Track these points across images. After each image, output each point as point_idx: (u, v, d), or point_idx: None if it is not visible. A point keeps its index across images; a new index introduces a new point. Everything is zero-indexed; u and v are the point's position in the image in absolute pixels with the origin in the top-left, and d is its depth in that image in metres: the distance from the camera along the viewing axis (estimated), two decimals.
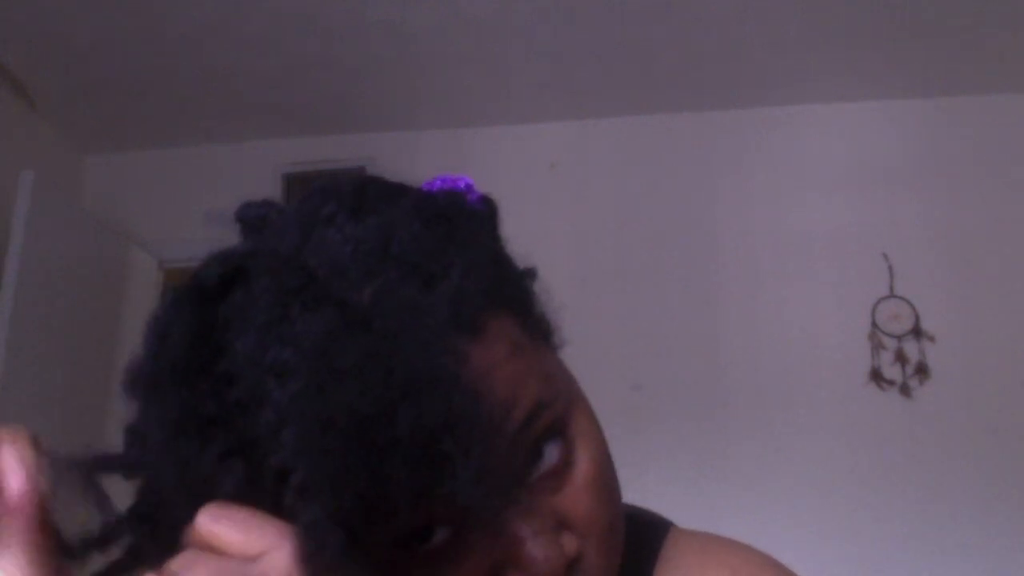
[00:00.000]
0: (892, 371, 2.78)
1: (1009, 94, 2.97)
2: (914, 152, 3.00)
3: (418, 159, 3.08)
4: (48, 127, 3.14)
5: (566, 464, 0.45)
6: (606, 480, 0.47)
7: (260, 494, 0.36)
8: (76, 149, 3.33)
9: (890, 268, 2.85)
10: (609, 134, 3.15)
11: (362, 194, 0.45)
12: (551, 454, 0.44)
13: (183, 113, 3.16)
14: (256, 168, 3.27)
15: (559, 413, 0.45)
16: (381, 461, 0.35)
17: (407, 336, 0.37)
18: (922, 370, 2.76)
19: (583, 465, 0.45)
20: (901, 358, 2.78)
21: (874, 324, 2.82)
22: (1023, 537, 2.58)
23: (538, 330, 0.49)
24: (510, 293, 0.47)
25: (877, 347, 2.80)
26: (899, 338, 2.80)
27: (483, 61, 2.88)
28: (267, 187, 3.26)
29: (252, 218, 0.48)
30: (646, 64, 2.90)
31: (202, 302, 0.40)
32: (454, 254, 0.43)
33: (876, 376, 2.78)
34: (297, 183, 3.25)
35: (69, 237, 2.82)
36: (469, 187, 0.50)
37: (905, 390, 2.75)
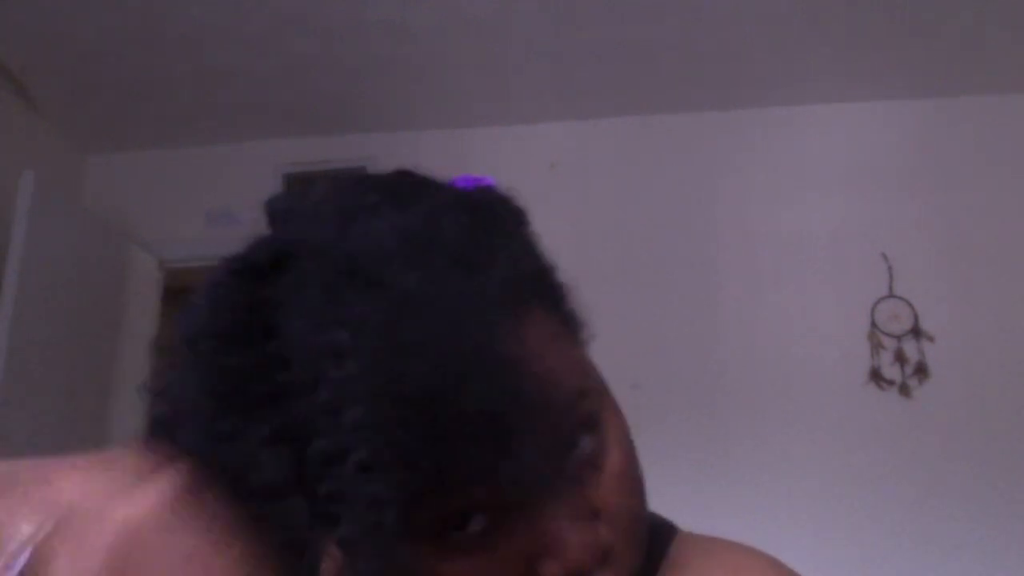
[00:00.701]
0: (891, 371, 2.78)
1: (1008, 94, 2.97)
2: (913, 152, 3.00)
3: (418, 159, 3.03)
4: (49, 127, 3.15)
5: (598, 456, 0.45)
6: (635, 474, 0.48)
7: (298, 480, 0.36)
8: (77, 149, 3.33)
9: (889, 268, 2.85)
10: (609, 134, 3.15)
11: (402, 185, 0.47)
12: (585, 445, 0.45)
13: (184, 113, 3.16)
14: (256, 168, 3.27)
15: (594, 405, 0.46)
16: (448, 437, 0.36)
17: (465, 318, 0.38)
18: (921, 370, 2.76)
19: (615, 458, 0.46)
20: (900, 358, 2.78)
21: (873, 324, 2.82)
22: (1021, 535, 2.58)
23: (571, 324, 0.50)
24: (547, 286, 0.49)
25: (876, 347, 2.80)
26: (898, 338, 2.80)
27: (483, 61, 2.88)
28: (267, 187, 3.26)
29: (281, 209, 0.48)
30: (646, 65, 2.90)
31: (253, 280, 0.40)
32: (498, 245, 0.44)
33: (875, 376, 2.78)
34: (297, 183, 3.25)
35: (70, 237, 2.82)
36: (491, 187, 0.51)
37: (904, 390, 2.76)
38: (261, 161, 3.28)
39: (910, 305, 2.82)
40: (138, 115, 3.17)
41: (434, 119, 3.18)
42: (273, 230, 0.48)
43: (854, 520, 2.66)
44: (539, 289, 0.47)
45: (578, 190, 3.08)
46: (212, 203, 3.26)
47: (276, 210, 0.49)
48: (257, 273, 0.40)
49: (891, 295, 2.84)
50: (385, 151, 3.14)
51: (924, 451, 2.69)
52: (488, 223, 0.45)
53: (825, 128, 3.08)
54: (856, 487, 2.69)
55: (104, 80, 2.94)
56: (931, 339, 2.79)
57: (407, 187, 0.47)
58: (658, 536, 0.53)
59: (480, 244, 0.43)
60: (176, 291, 3.44)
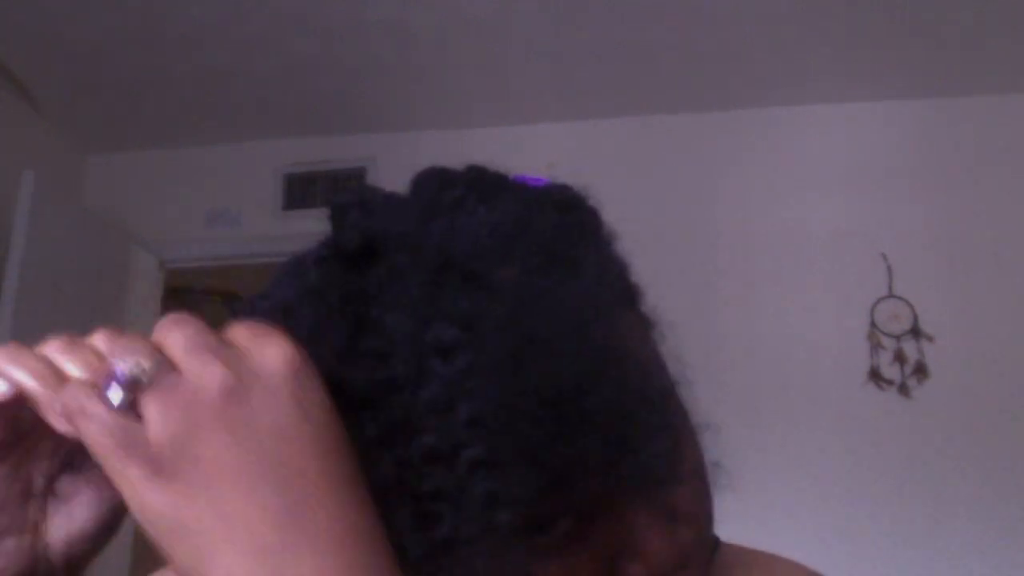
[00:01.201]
0: (891, 371, 2.79)
1: (1007, 95, 2.98)
2: (913, 152, 3.01)
3: (418, 159, 3.05)
4: (50, 127, 3.15)
5: (678, 457, 0.45)
6: (707, 476, 0.47)
7: (398, 479, 0.35)
8: (78, 149, 3.33)
9: (889, 268, 2.86)
10: (609, 135, 3.16)
11: (483, 182, 0.46)
12: (667, 444, 0.44)
13: (184, 113, 3.17)
14: (257, 168, 3.28)
15: (675, 404, 0.46)
16: (575, 433, 0.35)
17: (584, 315, 0.37)
18: (921, 370, 2.76)
19: (689, 457, 0.45)
20: (900, 358, 2.78)
21: (873, 324, 2.83)
22: (1021, 535, 2.58)
23: (648, 323, 0.50)
24: (629, 285, 0.49)
25: (876, 347, 2.81)
26: (898, 338, 2.80)
27: (483, 62, 2.89)
28: (268, 187, 3.27)
29: (350, 204, 0.46)
30: (645, 65, 2.91)
31: (345, 269, 0.39)
32: (588, 243, 0.43)
33: (875, 376, 2.78)
34: (298, 183, 3.26)
35: (70, 236, 2.83)
36: None
37: (904, 390, 2.76)
38: (261, 161, 3.28)
39: (909, 305, 2.82)
40: (138, 115, 3.18)
41: (434, 119, 3.18)
42: (342, 227, 0.45)
43: (853, 519, 2.66)
44: (625, 288, 0.47)
45: (579, 188, 3.08)
46: (212, 203, 3.27)
47: (344, 205, 0.46)
48: (349, 262, 0.39)
49: (891, 295, 2.84)
50: (385, 151, 3.15)
51: (923, 450, 2.70)
52: (577, 221, 0.45)
53: (825, 128, 3.09)
54: (855, 486, 2.70)
55: (104, 80, 2.95)
56: (930, 339, 2.79)
57: (489, 183, 0.46)
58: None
59: (570, 241, 0.42)
60: (176, 291, 3.45)
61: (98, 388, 0.33)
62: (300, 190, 3.24)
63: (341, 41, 2.77)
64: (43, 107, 3.05)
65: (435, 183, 0.45)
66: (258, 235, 3.15)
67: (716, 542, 0.54)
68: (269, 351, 0.34)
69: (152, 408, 0.32)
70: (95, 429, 0.32)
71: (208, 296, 3.81)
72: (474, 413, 0.34)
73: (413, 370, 0.35)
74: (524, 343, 0.35)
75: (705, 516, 0.46)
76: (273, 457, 0.32)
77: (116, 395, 0.32)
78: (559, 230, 0.42)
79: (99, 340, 0.35)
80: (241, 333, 0.34)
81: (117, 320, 3.02)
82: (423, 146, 3.11)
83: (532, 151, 3.10)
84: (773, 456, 2.74)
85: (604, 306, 0.40)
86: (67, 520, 0.39)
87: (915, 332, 2.80)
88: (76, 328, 0.37)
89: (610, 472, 0.37)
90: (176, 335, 0.33)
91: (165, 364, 0.33)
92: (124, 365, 0.33)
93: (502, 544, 0.34)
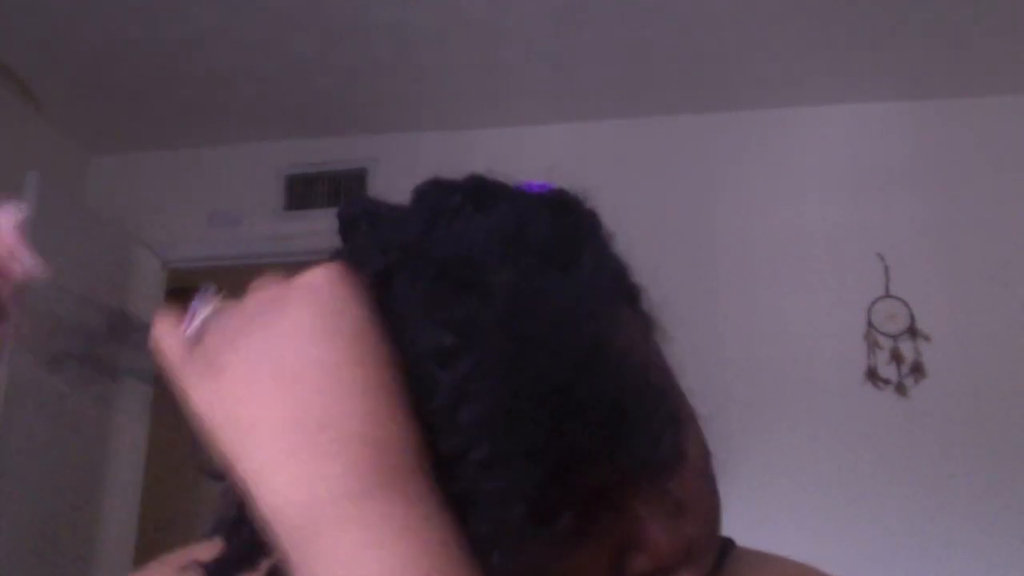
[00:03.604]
0: (888, 370, 2.80)
1: (1004, 96, 2.99)
2: (910, 154, 3.02)
3: (419, 160, 3.10)
4: (53, 128, 3.17)
5: (682, 452, 0.45)
6: (712, 471, 0.48)
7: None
8: (81, 150, 3.35)
9: (886, 268, 2.87)
10: (608, 136, 3.17)
11: (482, 188, 0.47)
12: (671, 439, 0.44)
13: (187, 115, 3.18)
14: (258, 169, 3.29)
15: (676, 401, 0.47)
16: (569, 426, 0.36)
17: (574, 313, 0.38)
18: (917, 369, 2.78)
19: (693, 452, 0.46)
20: (897, 357, 2.80)
21: (870, 324, 2.84)
22: (1018, 534, 2.59)
23: (648, 323, 0.51)
24: (628, 285, 0.50)
25: (873, 346, 2.82)
26: (895, 337, 2.82)
27: (483, 64, 2.90)
28: (270, 188, 3.28)
29: (352, 216, 0.47)
30: (645, 66, 2.92)
31: (368, 289, 0.40)
32: (584, 244, 0.44)
33: (872, 375, 2.80)
34: (299, 184, 3.28)
35: (73, 237, 2.84)
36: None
37: (901, 389, 2.77)
38: (263, 162, 3.30)
39: (906, 305, 2.84)
40: (141, 117, 3.19)
41: (434, 121, 3.20)
42: (350, 238, 0.47)
43: (850, 518, 2.67)
44: (622, 288, 0.48)
45: (577, 192, 3.09)
46: (214, 204, 3.28)
47: (349, 217, 0.48)
48: (373, 282, 0.40)
49: (887, 295, 2.86)
50: (386, 152, 3.16)
51: (920, 449, 2.71)
52: (573, 223, 0.46)
53: (823, 129, 3.10)
54: (852, 485, 2.71)
55: (108, 82, 2.96)
56: (927, 339, 2.80)
57: (488, 190, 0.47)
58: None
59: (566, 243, 0.43)
60: (179, 291, 3.46)
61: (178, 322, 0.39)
62: (301, 191, 3.26)
63: (342, 43, 2.78)
64: (47, 109, 3.07)
65: (435, 193, 0.46)
66: (260, 236, 3.17)
67: (730, 544, 0.55)
68: (315, 270, 0.37)
69: (210, 323, 0.38)
70: (171, 349, 0.38)
71: None
72: (476, 416, 0.35)
73: (423, 380, 0.36)
74: (517, 343, 0.36)
75: (711, 512, 0.46)
76: (304, 358, 0.35)
77: (192, 327, 0.38)
78: (555, 233, 0.43)
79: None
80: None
81: None
82: (423, 147, 3.12)
83: (532, 152, 3.12)
84: (770, 454, 2.75)
85: (598, 304, 0.41)
86: None
87: (912, 332, 2.81)
88: None
89: (606, 462, 0.38)
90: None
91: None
92: (203, 308, 0.39)
93: (517, 541, 0.35)
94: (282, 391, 0.34)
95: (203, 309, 0.39)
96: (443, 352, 0.36)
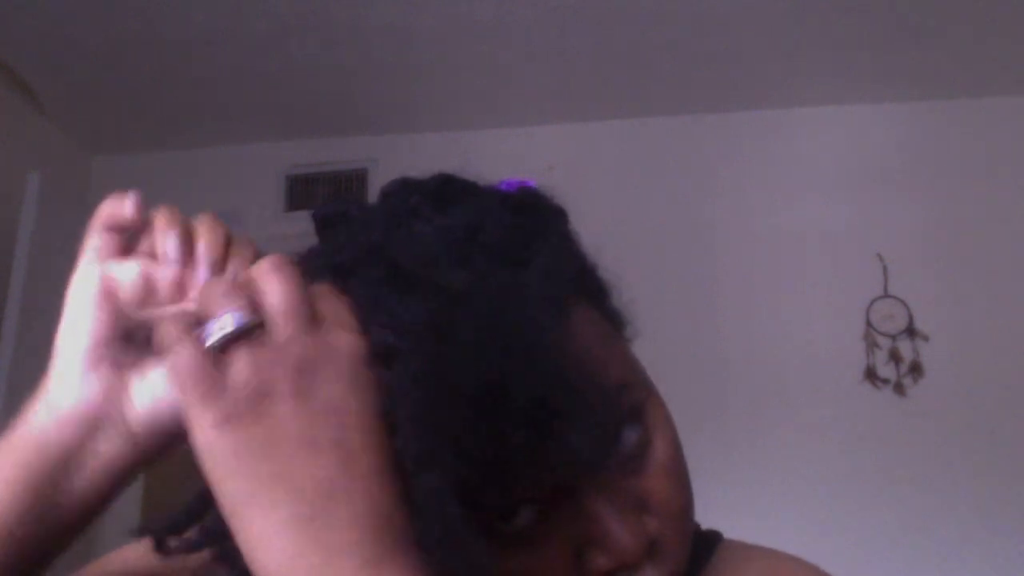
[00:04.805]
0: (886, 370, 2.80)
1: (1002, 97, 3.00)
2: (908, 154, 3.03)
3: (419, 161, 3.08)
4: (55, 129, 3.17)
5: (643, 449, 0.46)
6: (681, 466, 0.48)
7: None
8: (83, 150, 3.35)
9: (884, 268, 2.88)
10: (607, 137, 3.17)
11: (445, 188, 0.47)
12: (629, 438, 0.45)
13: (188, 115, 3.19)
14: (259, 170, 3.30)
15: (638, 398, 0.47)
16: (498, 425, 0.37)
17: (509, 312, 0.39)
18: (916, 369, 2.78)
19: (660, 450, 0.47)
20: (895, 357, 2.80)
21: (868, 324, 2.85)
22: (1017, 534, 2.60)
23: (614, 320, 0.52)
24: (589, 282, 0.50)
25: (871, 346, 2.83)
26: (893, 337, 2.82)
27: (483, 64, 2.91)
28: (271, 189, 3.29)
29: (326, 216, 0.49)
30: (644, 67, 2.93)
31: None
32: (540, 243, 0.45)
33: (871, 375, 2.80)
34: (300, 185, 3.28)
35: (76, 237, 2.82)
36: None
37: (899, 389, 2.78)
38: (264, 163, 3.30)
39: (905, 305, 2.84)
40: (143, 117, 3.20)
41: (435, 121, 3.20)
42: (323, 238, 0.48)
43: (848, 518, 2.67)
44: (581, 285, 0.48)
45: (576, 192, 3.00)
46: (215, 204, 3.27)
47: (324, 217, 0.49)
48: (331, 284, 0.40)
49: (886, 295, 2.86)
50: (386, 153, 3.17)
51: (919, 449, 2.71)
52: (530, 222, 0.46)
53: (822, 130, 3.11)
54: (851, 484, 2.71)
55: (110, 82, 2.97)
56: (925, 339, 2.81)
57: (451, 189, 0.47)
58: (703, 543, 0.54)
59: (522, 242, 0.44)
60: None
61: (199, 325, 0.36)
62: (302, 191, 3.27)
63: (342, 43, 2.79)
64: (49, 109, 3.08)
65: (399, 193, 0.47)
66: (261, 236, 3.15)
67: (717, 537, 0.55)
68: (344, 335, 0.37)
69: (243, 361, 0.35)
70: (182, 363, 0.35)
71: None
72: (409, 415, 0.36)
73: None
74: (451, 346, 0.37)
75: (678, 508, 0.46)
76: (326, 429, 0.35)
77: (214, 338, 0.36)
78: (510, 233, 0.44)
79: (210, 286, 0.39)
80: (328, 305, 0.38)
81: None
82: (424, 147, 3.13)
83: (532, 152, 3.13)
84: (769, 454, 2.76)
85: (542, 303, 0.41)
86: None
87: (910, 332, 2.82)
88: None
89: (542, 461, 0.38)
90: (275, 289, 0.37)
91: (262, 322, 0.36)
92: (231, 317, 0.36)
93: (462, 539, 0.35)
94: (293, 462, 0.34)
95: (226, 322, 0.36)
96: (384, 352, 0.37)
